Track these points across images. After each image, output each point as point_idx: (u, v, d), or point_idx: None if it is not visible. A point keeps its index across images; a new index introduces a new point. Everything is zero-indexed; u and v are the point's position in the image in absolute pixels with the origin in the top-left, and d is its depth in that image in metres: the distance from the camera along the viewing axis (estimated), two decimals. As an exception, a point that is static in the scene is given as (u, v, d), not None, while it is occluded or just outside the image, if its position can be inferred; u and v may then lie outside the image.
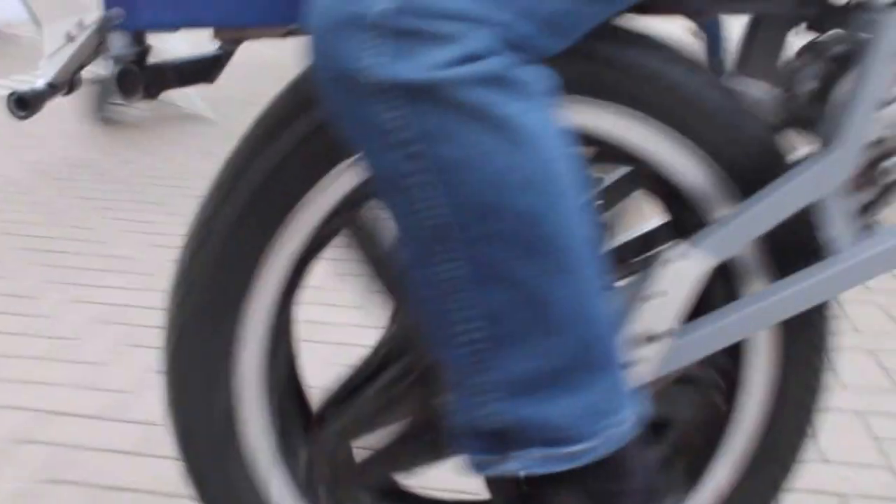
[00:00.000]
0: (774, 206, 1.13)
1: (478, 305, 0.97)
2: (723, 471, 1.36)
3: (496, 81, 0.91)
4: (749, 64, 1.19)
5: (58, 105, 5.65)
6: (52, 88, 1.28)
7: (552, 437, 1.01)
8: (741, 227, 1.14)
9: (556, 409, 1.01)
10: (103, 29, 1.24)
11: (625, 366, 1.04)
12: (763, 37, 1.19)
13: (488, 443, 1.03)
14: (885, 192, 1.12)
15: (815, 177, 1.12)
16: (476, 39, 0.90)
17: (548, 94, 0.95)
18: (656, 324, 1.16)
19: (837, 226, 1.15)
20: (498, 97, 0.92)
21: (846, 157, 1.11)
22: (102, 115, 5.26)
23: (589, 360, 1.00)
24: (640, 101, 1.12)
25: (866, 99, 1.09)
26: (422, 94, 0.89)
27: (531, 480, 1.08)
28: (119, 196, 4.13)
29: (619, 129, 1.13)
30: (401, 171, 0.93)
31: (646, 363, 1.17)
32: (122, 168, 4.57)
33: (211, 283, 1.23)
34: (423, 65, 0.89)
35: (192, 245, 1.23)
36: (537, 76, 0.95)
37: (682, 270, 1.13)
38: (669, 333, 1.16)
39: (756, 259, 1.21)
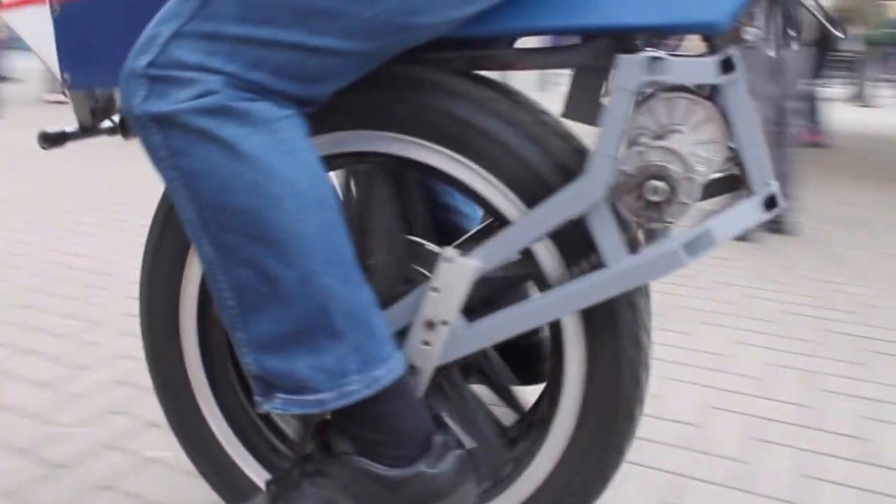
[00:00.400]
0: (534, 223, 1.42)
1: (227, 280, 1.31)
2: (544, 459, 1.61)
3: (220, 112, 1.25)
4: (573, 106, 1.46)
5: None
6: (82, 130, 1.75)
7: (293, 387, 1.33)
8: (503, 242, 1.44)
9: (296, 365, 1.31)
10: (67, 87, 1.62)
11: (376, 337, 1.35)
12: (582, 82, 1.45)
13: (258, 386, 1.37)
14: (653, 209, 1.35)
15: (567, 199, 1.39)
16: (208, 83, 1.25)
17: (277, 122, 1.28)
18: (435, 313, 1.47)
19: (607, 238, 1.41)
20: (221, 123, 1.25)
21: (594, 182, 1.37)
22: None
23: (324, 327, 1.30)
24: (442, 136, 1.46)
25: (607, 131, 1.36)
26: (166, 122, 1.26)
27: (324, 424, 1.44)
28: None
29: (425, 157, 1.48)
30: (166, 179, 1.31)
31: (429, 346, 1.48)
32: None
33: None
34: (169, 101, 1.25)
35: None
36: (266, 110, 1.27)
37: (453, 272, 1.45)
38: (445, 323, 1.47)
39: (552, 266, 1.49)
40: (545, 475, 1.61)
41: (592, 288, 1.41)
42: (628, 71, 1.34)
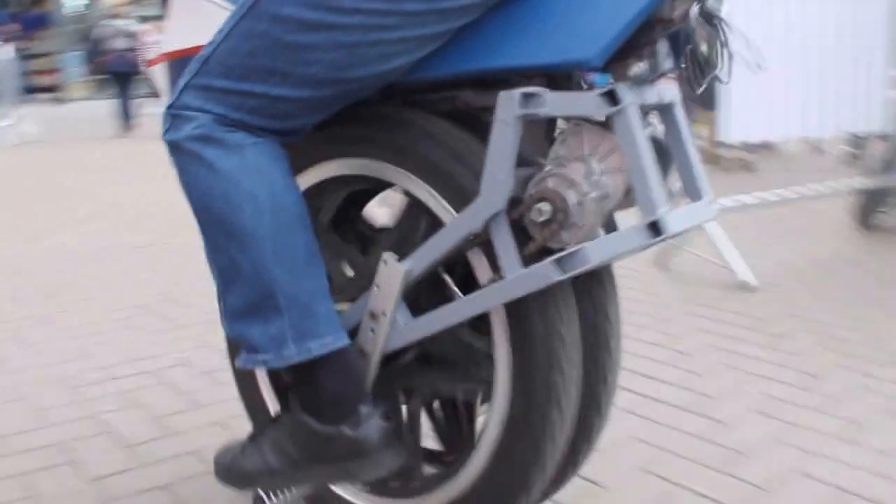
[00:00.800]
0: (447, 235, 1.70)
1: (213, 264, 1.76)
2: (480, 454, 1.80)
3: (205, 139, 1.71)
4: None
5: (830, 208, 6.29)
6: None
7: (249, 348, 1.76)
8: (427, 249, 1.73)
9: (252, 331, 1.74)
10: None
11: (316, 317, 1.72)
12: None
13: (231, 347, 1.94)
14: (547, 229, 1.56)
15: (468, 215, 1.65)
16: (201, 120, 1.72)
17: (247, 147, 1.72)
18: (376, 306, 1.82)
19: (503, 251, 1.63)
20: (205, 147, 1.71)
21: (485, 202, 1.62)
22: (869, 221, 5.81)
23: (271, 305, 1.71)
24: (395, 156, 1.78)
25: (493, 158, 1.60)
26: (176, 148, 1.73)
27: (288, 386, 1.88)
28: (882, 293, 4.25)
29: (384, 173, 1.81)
30: (182, 190, 1.77)
31: (374, 333, 1.83)
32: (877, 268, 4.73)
33: None
34: (178, 133, 1.72)
35: None
36: (239, 138, 1.72)
37: (388, 272, 1.80)
38: (384, 315, 1.80)
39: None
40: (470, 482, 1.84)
41: (491, 293, 1.66)
42: (505, 105, 1.58)
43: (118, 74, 15.10)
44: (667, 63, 1.59)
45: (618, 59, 1.55)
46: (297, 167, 1.93)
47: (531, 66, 1.56)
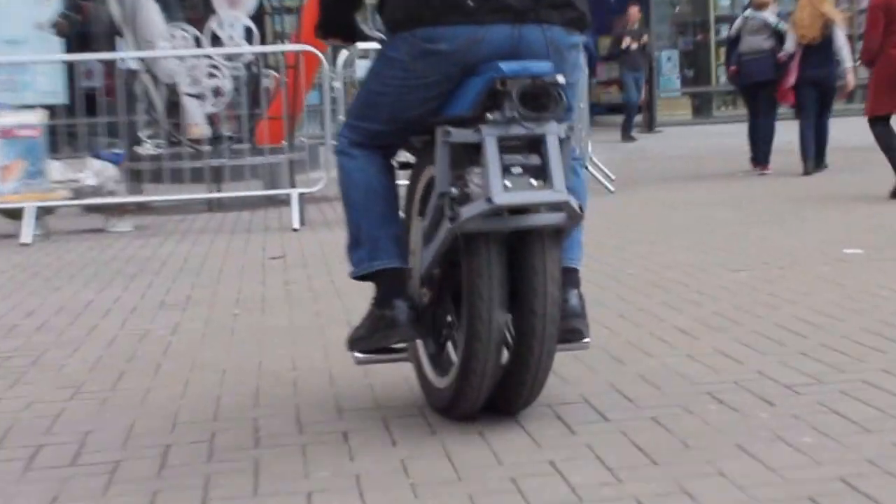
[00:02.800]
0: (432, 199, 3.31)
1: (348, 218, 3.47)
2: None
3: (341, 151, 3.49)
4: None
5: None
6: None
7: (352, 265, 3.46)
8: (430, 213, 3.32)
9: (352, 255, 3.44)
10: None
11: (379, 249, 3.37)
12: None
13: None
14: (454, 202, 3.15)
15: (435, 192, 3.16)
16: (344, 139, 3.50)
17: (357, 157, 3.45)
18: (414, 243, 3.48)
19: (435, 215, 3.22)
20: (343, 157, 3.48)
21: (438, 186, 3.20)
22: None
23: (358, 240, 3.41)
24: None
25: (438, 164, 3.18)
26: (336, 156, 3.55)
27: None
28: None
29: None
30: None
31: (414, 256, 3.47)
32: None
33: None
34: (337, 149, 3.54)
35: None
36: (353, 151, 3.46)
37: (417, 226, 3.46)
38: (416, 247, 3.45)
39: None
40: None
41: (434, 240, 3.27)
42: (439, 135, 3.20)
43: (751, 86, 12.09)
44: (515, 113, 3.10)
45: (481, 111, 3.14)
46: (418, 170, 3.51)
47: (456, 115, 3.22)
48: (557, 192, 3.04)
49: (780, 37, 11.76)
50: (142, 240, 8.62)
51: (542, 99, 3.11)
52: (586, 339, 3.50)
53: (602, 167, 11.05)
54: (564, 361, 3.82)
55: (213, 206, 10.56)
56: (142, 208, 9.95)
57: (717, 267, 6.10)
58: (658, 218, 8.67)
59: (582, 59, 3.73)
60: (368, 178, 3.41)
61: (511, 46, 3.22)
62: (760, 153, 12.09)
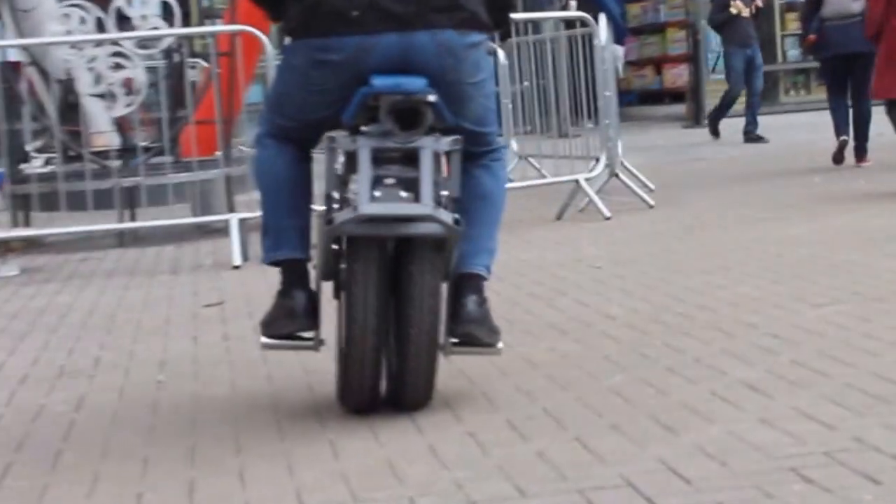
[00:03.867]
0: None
1: (261, 206, 4.72)
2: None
3: (258, 142, 4.72)
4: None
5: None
6: None
7: (262, 250, 4.70)
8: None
9: (263, 241, 4.66)
10: None
11: (281, 241, 4.57)
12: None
13: None
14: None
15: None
16: (260, 128, 4.74)
17: (266, 146, 4.66)
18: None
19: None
20: (257, 146, 4.73)
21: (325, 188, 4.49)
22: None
23: (266, 229, 4.63)
24: None
25: (325, 169, 4.46)
26: (254, 143, 4.95)
27: None
28: None
29: None
30: None
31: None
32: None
33: None
34: (256, 135, 4.84)
35: None
36: (263, 140, 4.67)
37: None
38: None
39: None
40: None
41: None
42: (325, 142, 4.52)
43: (837, 59, 12.38)
44: (393, 126, 4.20)
45: (363, 121, 4.30)
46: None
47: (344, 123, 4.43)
48: (423, 205, 4.14)
49: None
50: (32, 286, 8.62)
51: (412, 116, 4.20)
52: (496, 346, 4.51)
53: (637, 174, 11.07)
54: (597, 432, 3.87)
55: (125, 239, 10.58)
56: (31, 245, 9.93)
57: (794, 301, 6.11)
58: (712, 239, 8.71)
59: (488, 57, 4.68)
60: (277, 170, 4.56)
61: (401, 54, 4.28)
62: (856, 142, 12.21)
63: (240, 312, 6.92)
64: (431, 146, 4.20)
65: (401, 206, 4.14)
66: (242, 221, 9.14)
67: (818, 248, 7.79)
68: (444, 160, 4.37)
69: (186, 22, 11.87)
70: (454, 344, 4.45)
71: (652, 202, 10.57)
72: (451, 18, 4.27)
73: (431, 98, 4.19)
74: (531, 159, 12.37)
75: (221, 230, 9.67)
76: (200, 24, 12.28)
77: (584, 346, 5.42)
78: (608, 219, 9.96)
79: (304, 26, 4.36)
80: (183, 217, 10.49)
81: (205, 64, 11.43)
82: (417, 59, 4.25)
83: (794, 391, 4.39)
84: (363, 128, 4.28)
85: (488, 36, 4.55)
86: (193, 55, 12.09)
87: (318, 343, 4.56)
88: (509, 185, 10.89)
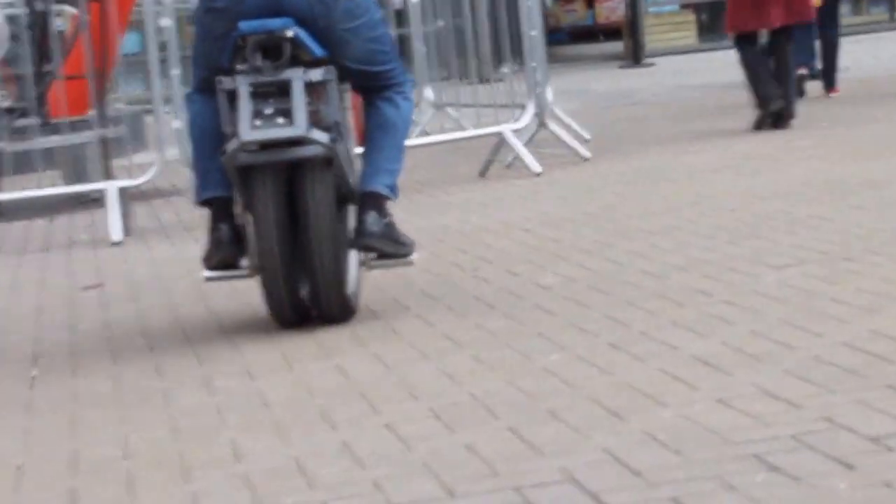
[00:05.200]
0: None
1: (191, 154, 6.30)
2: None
3: (188, 97, 6.20)
4: None
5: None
6: None
7: (194, 193, 6.33)
8: None
9: (195, 184, 6.19)
10: None
11: (207, 181, 5.87)
12: None
13: None
14: None
15: None
16: (192, 83, 6.20)
17: (192, 98, 6.04)
18: None
19: None
20: (187, 101, 6.22)
21: None
22: None
23: (195, 172, 6.16)
24: None
25: None
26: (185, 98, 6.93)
27: None
28: None
29: None
30: None
31: None
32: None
33: None
34: (188, 91, 6.58)
35: None
36: (190, 92, 6.16)
37: None
38: None
39: None
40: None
41: None
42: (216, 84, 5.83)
43: None
44: (263, 62, 5.50)
45: (235, 65, 5.58)
46: None
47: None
48: (297, 128, 5.42)
49: None
50: None
51: (277, 52, 5.49)
52: (407, 257, 5.83)
53: (570, 123, 11.10)
54: (533, 420, 3.89)
55: (-12, 213, 10.46)
56: None
57: (752, 263, 6.17)
58: (658, 195, 8.76)
59: (367, 3, 5.88)
60: (203, 121, 5.84)
61: (273, 1, 5.55)
62: (823, 71, 13.21)
63: (121, 295, 6.91)
64: (301, 77, 5.47)
65: (277, 130, 5.44)
66: (122, 190, 9.08)
67: (777, 202, 7.85)
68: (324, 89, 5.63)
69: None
70: (364, 257, 5.85)
71: (587, 154, 10.63)
72: None
73: (289, 33, 5.48)
74: (449, 109, 12.37)
75: (97, 200, 9.61)
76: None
77: (514, 322, 5.44)
78: (538, 175, 10.02)
79: None
80: (54, 186, 10.42)
81: (72, 10, 11.30)
82: (288, 5, 5.55)
83: (754, 366, 4.41)
84: (239, 66, 5.52)
85: None
86: (59, 1, 12.00)
87: (252, 272, 5.73)
88: (425, 139, 11.05)
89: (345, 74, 5.79)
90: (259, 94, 5.44)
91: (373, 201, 5.71)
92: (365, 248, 5.75)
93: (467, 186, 9.81)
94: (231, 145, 5.43)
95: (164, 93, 9.44)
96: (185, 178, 9.86)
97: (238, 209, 5.76)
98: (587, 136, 11.13)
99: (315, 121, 5.48)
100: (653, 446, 3.68)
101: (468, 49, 12.10)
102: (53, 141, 10.41)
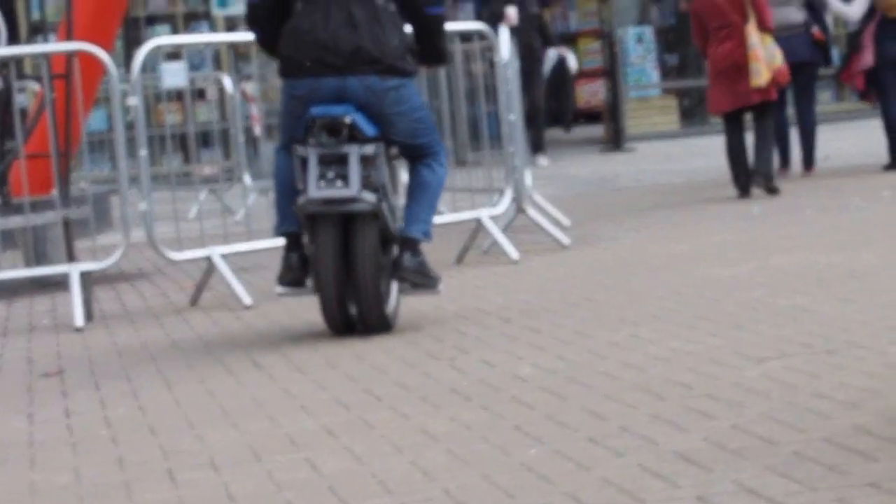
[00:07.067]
0: None
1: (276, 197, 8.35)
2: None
3: (276, 152, 8.23)
4: None
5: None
6: None
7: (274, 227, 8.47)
8: None
9: (276, 221, 8.22)
10: None
11: (283, 217, 8.09)
12: None
13: None
14: None
15: None
16: (278, 143, 8.46)
17: (281, 153, 8.14)
18: None
19: None
20: (275, 155, 8.24)
21: None
22: None
23: (278, 211, 8.07)
24: None
25: None
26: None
27: None
28: None
29: None
30: None
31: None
32: None
33: None
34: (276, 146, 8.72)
35: None
36: (283, 151, 8.05)
37: None
38: None
39: None
40: None
41: None
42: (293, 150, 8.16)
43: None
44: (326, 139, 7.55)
45: (309, 136, 7.65)
46: None
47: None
48: (351, 189, 7.31)
49: (812, 7, 12.92)
50: None
51: (338, 130, 7.38)
52: (434, 288, 7.69)
53: (549, 209, 11.12)
54: None
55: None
56: None
57: (733, 356, 6.18)
58: (638, 283, 8.80)
59: (410, 93, 7.83)
60: (285, 173, 7.75)
61: (338, 92, 7.49)
62: (803, 154, 13.94)
63: (83, 383, 6.88)
64: (356, 151, 7.40)
65: (336, 191, 7.35)
66: (85, 275, 9.07)
67: (760, 292, 7.89)
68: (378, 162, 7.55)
69: (14, 38, 11.81)
70: (400, 286, 7.73)
71: (566, 241, 10.67)
72: (373, 68, 7.53)
73: (348, 120, 7.40)
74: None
75: (60, 284, 9.58)
76: (31, 40, 12.18)
77: (491, 415, 5.43)
78: (516, 262, 10.05)
79: (283, 71, 7.86)
80: (14, 269, 10.38)
81: (37, 87, 11.31)
82: (350, 96, 7.51)
83: (735, 463, 4.41)
84: (311, 140, 7.46)
85: (408, 80, 7.80)
86: (22, 76, 12.00)
87: (314, 290, 7.63)
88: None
89: (393, 145, 7.77)
90: (324, 161, 7.39)
91: (410, 243, 7.61)
92: (401, 279, 7.65)
93: (444, 273, 9.80)
94: (302, 199, 7.41)
95: (130, 172, 9.42)
96: (151, 261, 9.89)
97: (306, 241, 7.61)
98: (566, 222, 11.16)
99: (366, 184, 7.38)
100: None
101: (445, 132, 12.14)
102: (14, 222, 10.38)
